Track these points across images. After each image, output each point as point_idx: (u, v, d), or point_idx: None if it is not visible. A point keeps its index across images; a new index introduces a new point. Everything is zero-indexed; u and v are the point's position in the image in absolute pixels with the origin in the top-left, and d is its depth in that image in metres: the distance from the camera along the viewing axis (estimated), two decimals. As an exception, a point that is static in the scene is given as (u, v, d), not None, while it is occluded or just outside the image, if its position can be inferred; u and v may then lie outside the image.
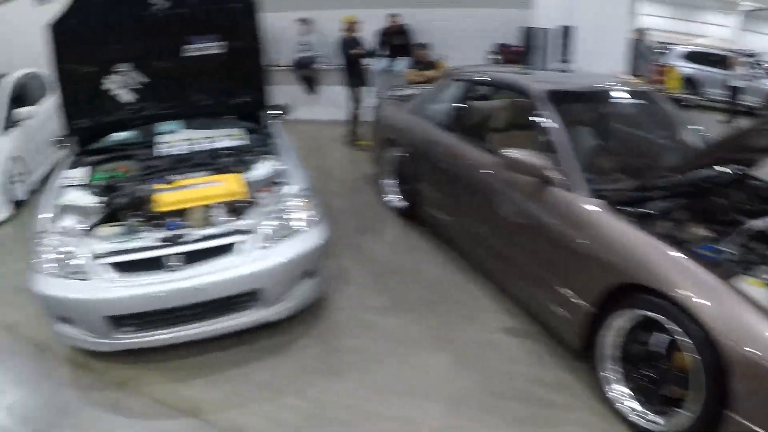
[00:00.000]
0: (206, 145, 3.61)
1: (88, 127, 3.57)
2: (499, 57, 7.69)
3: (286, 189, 3.16)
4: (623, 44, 7.00)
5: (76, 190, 3.06)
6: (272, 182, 3.22)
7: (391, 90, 5.71)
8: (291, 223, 2.96)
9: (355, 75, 6.81)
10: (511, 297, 3.31)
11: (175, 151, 3.54)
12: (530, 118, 3.22)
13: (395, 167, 4.64)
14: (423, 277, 3.71)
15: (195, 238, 2.76)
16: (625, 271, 2.32)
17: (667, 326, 2.14)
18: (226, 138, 3.71)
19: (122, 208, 2.93)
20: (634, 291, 2.28)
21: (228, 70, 3.65)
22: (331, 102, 7.84)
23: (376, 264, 3.88)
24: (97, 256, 2.67)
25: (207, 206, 2.93)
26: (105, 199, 2.98)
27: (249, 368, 2.83)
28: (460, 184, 3.65)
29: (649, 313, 2.21)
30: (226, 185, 3.06)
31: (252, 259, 2.78)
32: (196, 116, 3.88)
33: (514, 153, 2.91)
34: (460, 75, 4.37)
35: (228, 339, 2.91)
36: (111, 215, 2.91)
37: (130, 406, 2.59)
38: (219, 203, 2.95)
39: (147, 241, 2.74)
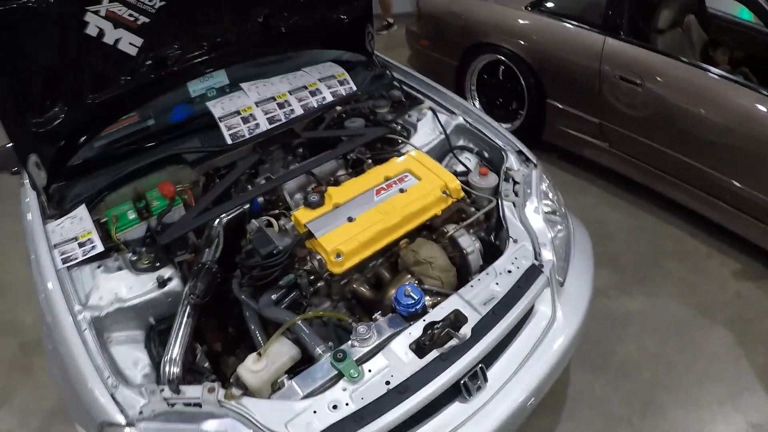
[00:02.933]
0: (309, 104, 1.99)
1: (64, 122, 1.66)
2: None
3: (511, 161, 1.89)
4: None
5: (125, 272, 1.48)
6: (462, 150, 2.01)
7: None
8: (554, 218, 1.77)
9: None
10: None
11: (260, 127, 1.88)
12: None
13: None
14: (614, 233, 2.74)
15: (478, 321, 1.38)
16: None
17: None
18: (326, 83, 2.08)
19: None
20: None
21: None
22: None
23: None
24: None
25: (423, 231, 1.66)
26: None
27: None
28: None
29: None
30: (430, 181, 1.68)
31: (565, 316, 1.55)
32: (260, 54, 2.11)
33: None
34: None
35: None
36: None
37: None
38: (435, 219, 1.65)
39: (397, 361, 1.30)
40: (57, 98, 1.63)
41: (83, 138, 1.76)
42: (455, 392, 1.30)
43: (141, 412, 1.19)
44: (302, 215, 1.55)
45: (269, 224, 1.60)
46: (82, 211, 1.61)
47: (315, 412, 1.17)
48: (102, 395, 1.22)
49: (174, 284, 1.44)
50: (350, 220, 1.54)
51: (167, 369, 1.28)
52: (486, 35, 3.16)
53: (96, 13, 1.56)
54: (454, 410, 1.29)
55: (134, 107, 1.88)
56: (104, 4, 1.57)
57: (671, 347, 2.18)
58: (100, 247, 1.51)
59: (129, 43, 1.69)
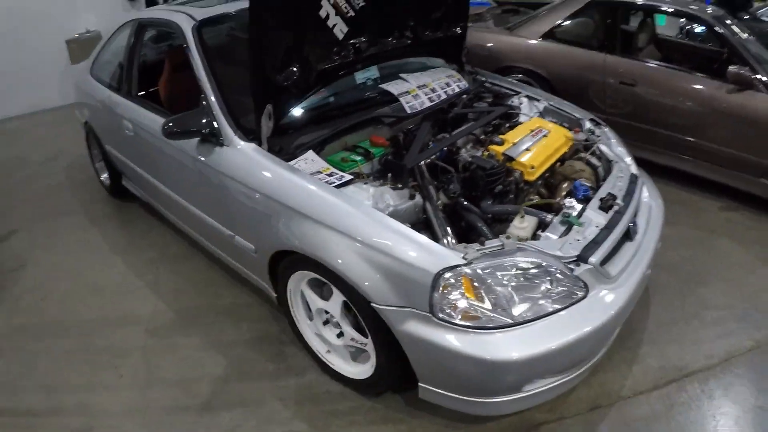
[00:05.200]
0: (447, 92, 2.76)
1: (296, 82, 2.24)
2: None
3: (587, 124, 2.78)
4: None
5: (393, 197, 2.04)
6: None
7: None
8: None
9: None
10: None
11: (427, 102, 2.60)
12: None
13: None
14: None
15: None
16: None
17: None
18: (451, 79, 2.88)
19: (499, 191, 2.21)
20: None
21: None
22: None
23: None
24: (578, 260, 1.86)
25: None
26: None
27: None
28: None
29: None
30: (556, 131, 2.54)
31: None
32: (405, 55, 2.91)
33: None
34: None
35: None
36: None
37: None
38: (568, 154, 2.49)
39: (596, 217, 2.06)
40: (293, 61, 2.19)
41: (300, 98, 2.33)
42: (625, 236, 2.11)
43: (465, 256, 1.76)
44: (496, 149, 2.37)
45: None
46: (311, 154, 2.17)
47: (570, 243, 1.90)
48: (440, 249, 1.76)
49: (418, 198, 2.10)
50: (528, 150, 2.37)
51: (448, 240, 1.93)
52: (510, 59, 4.20)
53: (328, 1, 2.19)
54: (627, 246, 2.12)
55: (332, 81, 2.50)
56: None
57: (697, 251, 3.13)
58: (347, 177, 2.05)
59: (340, 29, 2.32)
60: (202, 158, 2.43)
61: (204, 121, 2.32)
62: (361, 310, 1.93)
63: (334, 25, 2.30)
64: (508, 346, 1.68)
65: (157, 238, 3.65)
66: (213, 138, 2.33)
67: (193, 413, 2.27)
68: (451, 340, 1.71)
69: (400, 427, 2.12)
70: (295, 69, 2.21)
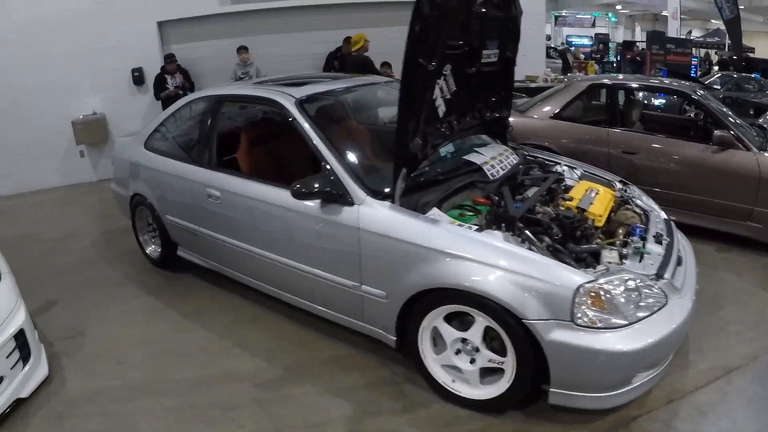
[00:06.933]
0: (509, 163, 3.42)
1: (421, 151, 2.77)
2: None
3: (617, 184, 3.50)
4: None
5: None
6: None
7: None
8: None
9: None
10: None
11: (501, 171, 3.26)
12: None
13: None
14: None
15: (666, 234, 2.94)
16: None
17: None
18: (507, 153, 3.56)
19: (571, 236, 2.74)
20: None
21: (495, 81, 3.53)
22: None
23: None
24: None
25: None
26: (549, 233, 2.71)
27: None
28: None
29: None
30: (604, 189, 3.22)
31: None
32: (474, 133, 3.63)
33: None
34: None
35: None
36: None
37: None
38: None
39: (655, 248, 2.74)
40: (417, 134, 2.66)
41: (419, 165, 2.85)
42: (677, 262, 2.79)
43: (593, 273, 2.35)
44: (569, 204, 2.99)
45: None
46: (436, 211, 2.70)
47: (647, 266, 2.57)
48: (574, 269, 2.34)
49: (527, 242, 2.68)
50: (591, 203, 3.02)
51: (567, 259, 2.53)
52: (524, 137, 5.05)
53: (438, 84, 2.74)
54: (679, 269, 2.77)
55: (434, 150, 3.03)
56: (441, 81, 2.75)
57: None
58: (474, 226, 2.61)
59: (441, 109, 2.86)
60: (328, 217, 2.84)
61: (331, 183, 2.79)
62: (508, 329, 2.43)
63: (438, 106, 2.84)
64: (630, 340, 2.28)
65: (226, 302, 3.80)
66: (340, 198, 2.79)
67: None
68: (590, 340, 2.25)
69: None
70: (419, 140, 2.72)
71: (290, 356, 3.16)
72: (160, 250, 4.33)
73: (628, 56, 12.54)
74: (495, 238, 2.52)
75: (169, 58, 7.30)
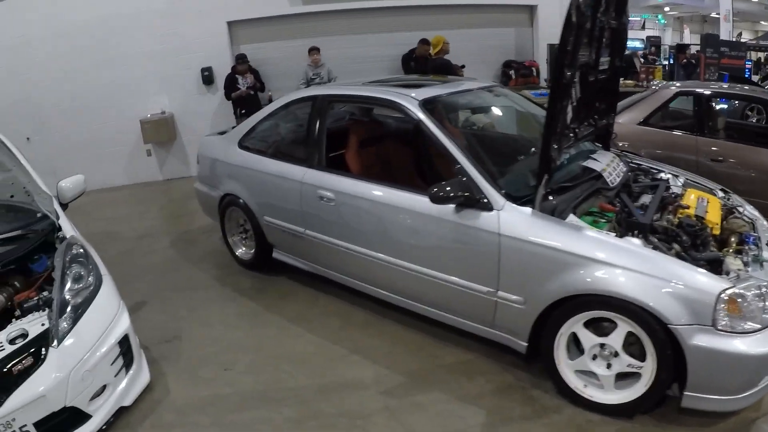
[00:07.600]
0: (621, 170, 3.41)
1: (557, 155, 2.81)
2: (511, 72, 8.53)
3: (720, 193, 3.43)
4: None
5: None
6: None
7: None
8: None
9: None
10: None
11: (617, 178, 3.25)
12: None
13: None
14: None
15: None
16: None
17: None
18: (617, 161, 3.54)
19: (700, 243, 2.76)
20: None
21: (605, 89, 3.54)
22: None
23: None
24: None
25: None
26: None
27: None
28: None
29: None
30: (713, 198, 3.22)
31: None
32: (588, 139, 3.63)
33: None
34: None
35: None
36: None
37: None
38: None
39: None
40: (555, 140, 2.69)
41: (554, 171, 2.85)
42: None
43: (730, 280, 2.36)
44: (688, 212, 2.96)
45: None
46: (573, 217, 2.70)
47: (766, 273, 2.55)
48: (714, 276, 2.36)
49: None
50: (706, 211, 2.99)
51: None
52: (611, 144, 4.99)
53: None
54: None
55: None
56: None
57: None
58: (613, 233, 2.64)
59: (568, 116, 2.85)
60: (465, 222, 2.83)
61: (470, 188, 2.79)
62: (652, 334, 2.45)
63: (568, 113, 2.86)
64: (762, 343, 2.30)
65: (329, 306, 3.71)
66: (478, 203, 2.80)
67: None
68: (728, 344, 2.30)
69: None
70: (556, 146, 2.72)
71: (411, 363, 3.10)
72: (252, 251, 4.29)
73: (683, 60, 12.21)
74: (637, 246, 2.55)
75: (241, 59, 7.38)
